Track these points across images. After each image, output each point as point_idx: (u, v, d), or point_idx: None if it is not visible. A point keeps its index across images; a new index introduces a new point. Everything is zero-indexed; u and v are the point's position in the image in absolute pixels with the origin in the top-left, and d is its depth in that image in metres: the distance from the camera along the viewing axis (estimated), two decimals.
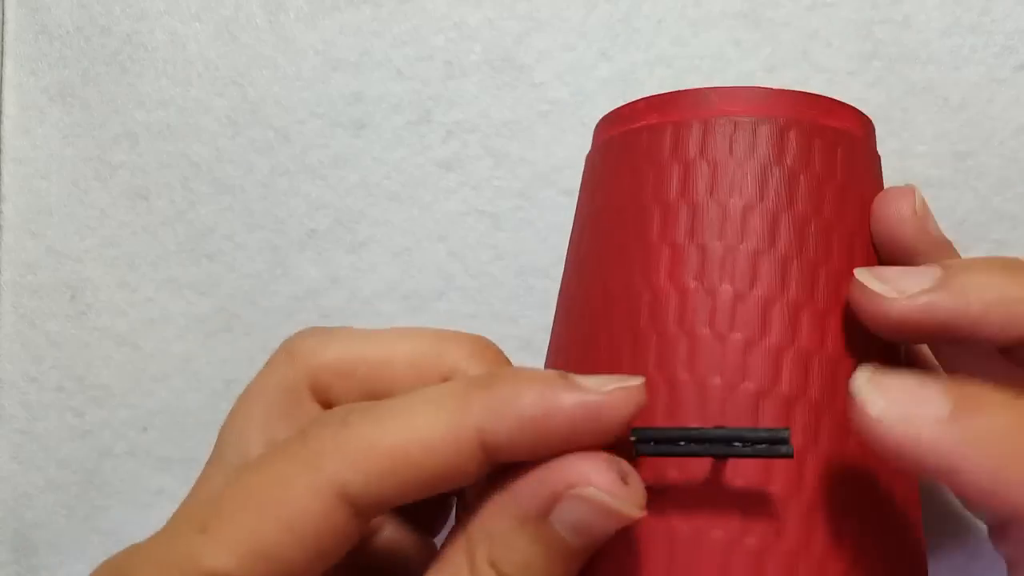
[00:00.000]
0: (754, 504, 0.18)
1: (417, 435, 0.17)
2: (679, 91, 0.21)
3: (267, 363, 0.22)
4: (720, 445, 0.17)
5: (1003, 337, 0.18)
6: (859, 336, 0.20)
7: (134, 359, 0.36)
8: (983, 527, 0.22)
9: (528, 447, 0.17)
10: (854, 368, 0.19)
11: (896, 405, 0.16)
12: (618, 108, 0.22)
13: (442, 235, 0.34)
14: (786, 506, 0.18)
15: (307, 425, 0.19)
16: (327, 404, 0.21)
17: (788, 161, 0.20)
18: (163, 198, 0.36)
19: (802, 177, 0.20)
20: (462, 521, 0.19)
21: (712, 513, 0.18)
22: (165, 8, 0.36)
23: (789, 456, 0.17)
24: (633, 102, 0.22)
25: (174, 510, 0.20)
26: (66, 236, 0.36)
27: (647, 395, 0.18)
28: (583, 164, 0.24)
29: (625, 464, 0.17)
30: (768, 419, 0.19)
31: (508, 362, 0.22)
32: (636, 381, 0.18)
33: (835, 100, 0.21)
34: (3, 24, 0.37)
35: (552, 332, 0.23)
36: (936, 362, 0.23)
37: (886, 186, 0.22)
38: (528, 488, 0.17)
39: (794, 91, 0.21)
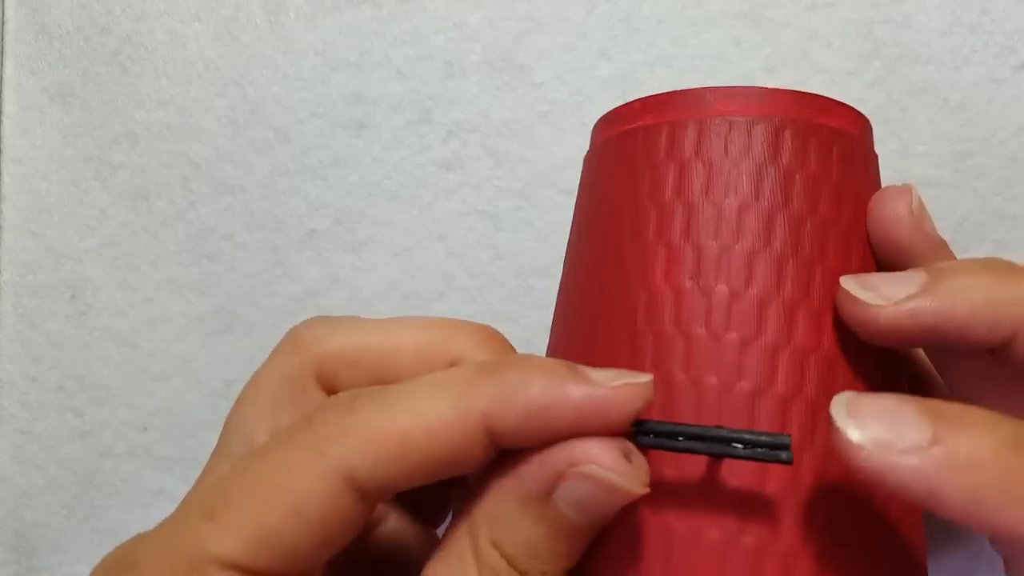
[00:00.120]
0: (750, 504, 0.18)
1: (423, 420, 0.17)
2: (675, 91, 0.21)
3: (273, 352, 0.22)
4: (719, 444, 0.17)
5: (991, 338, 0.18)
6: (856, 335, 0.20)
7: (134, 359, 0.36)
8: None
9: (533, 435, 0.17)
10: (851, 367, 0.19)
11: (875, 433, 0.16)
12: (615, 109, 0.22)
13: (442, 235, 0.34)
14: (782, 506, 0.18)
15: (313, 411, 0.19)
16: (333, 392, 0.21)
17: (783, 160, 0.20)
18: (163, 198, 0.36)
19: (797, 176, 0.20)
20: (465, 505, 0.19)
21: (709, 513, 0.18)
22: (165, 8, 0.36)
23: (788, 462, 0.17)
24: (630, 102, 0.22)
25: (174, 509, 0.20)
26: (66, 236, 0.36)
27: None
28: (582, 164, 0.24)
29: (627, 443, 0.18)
30: (764, 418, 0.19)
31: (514, 351, 0.22)
32: (644, 378, 0.18)
33: (831, 99, 0.21)
34: (3, 24, 0.37)
35: (551, 332, 0.24)
36: (929, 361, 0.23)
37: (884, 186, 0.22)
38: (530, 468, 0.18)
39: (789, 90, 0.21)
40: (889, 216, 0.20)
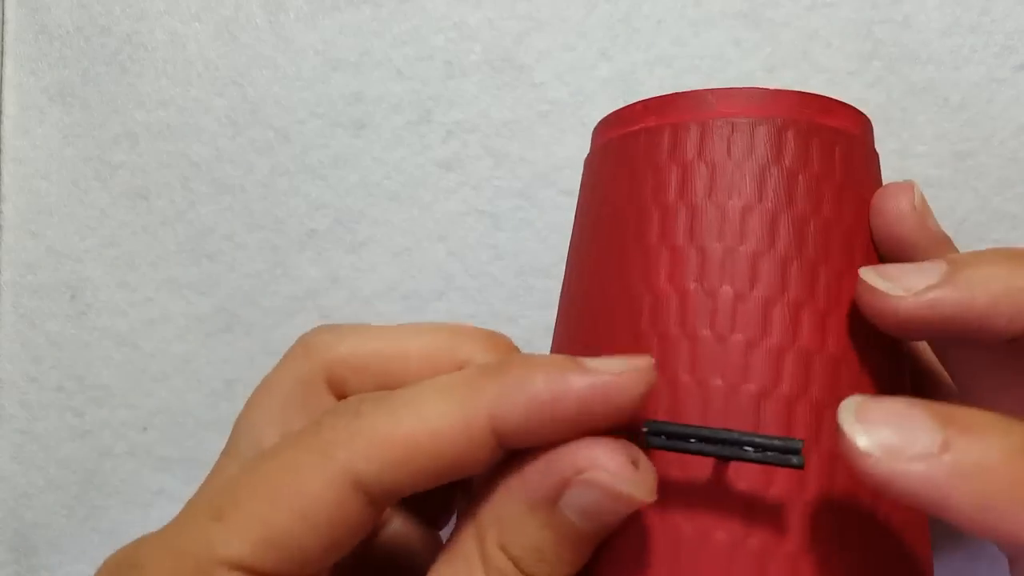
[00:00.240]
0: (757, 505, 0.18)
1: (429, 423, 0.17)
2: (676, 93, 0.21)
3: (284, 356, 0.22)
4: (730, 447, 0.17)
5: (1012, 328, 0.17)
6: (861, 334, 0.20)
7: (134, 359, 0.36)
8: None
9: (539, 431, 0.17)
10: (856, 367, 0.19)
11: (883, 439, 0.15)
12: (616, 111, 0.22)
13: (442, 235, 0.34)
14: (789, 508, 0.18)
15: (321, 415, 0.19)
16: (343, 397, 0.21)
17: (786, 161, 0.20)
18: (163, 198, 0.36)
19: (800, 177, 0.20)
20: (471, 508, 0.19)
21: (715, 514, 0.18)
22: (165, 8, 0.36)
23: (800, 467, 0.17)
24: (631, 105, 0.22)
25: (174, 510, 0.20)
26: (66, 236, 0.36)
27: (650, 397, 0.18)
28: (582, 166, 0.24)
29: (635, 448, 0.17)
30: (770, 420, 0.19)
31: (517, 349, 0.23)
32: (645, 361, 0.18)
33: (832, 99, 0.21)
34: (3, 24, 0.37)
35: (554, 335, 0.23)
36: (932, 356, 0.23)
37: (886, 183, 0.22)
38: (537, 473, 0.18)
39: (791, 91, 0.21)
40: (892, 212, 0.20)
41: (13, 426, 0.36)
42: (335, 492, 0.17)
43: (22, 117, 0.36)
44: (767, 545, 0.18)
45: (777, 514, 0.18)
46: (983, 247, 0.31)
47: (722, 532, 0.18)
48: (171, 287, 0.35)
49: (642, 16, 0.34)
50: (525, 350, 0.33)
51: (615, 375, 0.17)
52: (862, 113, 0.22)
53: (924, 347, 0.24)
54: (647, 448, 0.18)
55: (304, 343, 0.22)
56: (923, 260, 0.20)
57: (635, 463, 0.17)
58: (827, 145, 0.20)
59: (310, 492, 0.17)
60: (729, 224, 0.20)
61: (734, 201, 0.20)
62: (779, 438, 0.17)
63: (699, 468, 0.19)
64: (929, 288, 0.18)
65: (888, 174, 0.23)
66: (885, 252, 0.21)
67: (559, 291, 0.24)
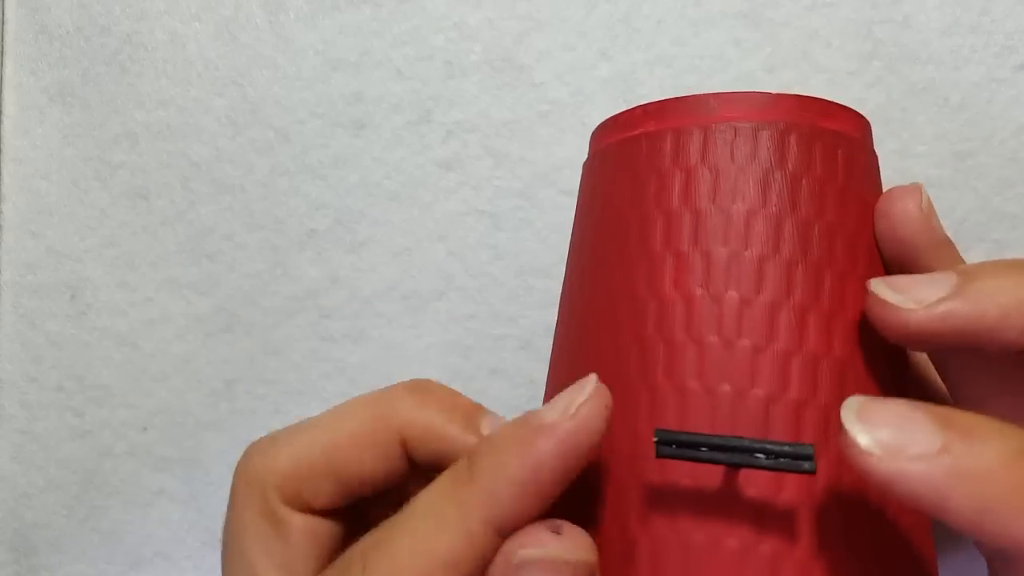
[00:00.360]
0: (767, 511, 0.18)
1: (436, 554, 0.18)
2: (677, 98, 0.21)
3: (232, 501, 0.22)
4: (742, 455, 0.17)
5: (1021, 341, 0.17)
6: (866, 338, 0.20)
7: (134, 359, 0.36)
8: None
9: (534, 504, 0.18)
10: (861, 371, 0.19)
11: (884, 438, 0.15)
12: (615, 116, 0.22)
13: (442, 235, 0.34)
14: (799, 512, 0.18)
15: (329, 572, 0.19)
16: (305, 506, 0.21)
17: (790, 165, 0.20)
18: (163, 198, 0.36)
19: (804, 181, 0.20)
20: None
21: (726, 521, 0.18)
22: (165, 8, 0.36)
23: (812, 472, 0.17)
24: (630, 109, 0.22)
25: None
26: (66, 236, 0.36)
27: (658, 404, 0.19)
28: (581, 170, 0.24)
29: (557, 521, 0.18)
30: (778, 425, 0.19)
31: (448, 389, 0.22)
32: (590, 386, 0.18)
33: (833, 102, 0.21)
34: (3, 24, 0.37)
35: (555, 341, 0.23)
36: (928, 365, 0.23)
37: (886, 187, 0.22)
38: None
39: (793, 95, 0.21)
40: (899, 215, 0.20)
41: (13, 426, 0.36)
42: None
43: (22, 117, 0.36)
44: (778, 551, 0.18)
45: (787, 520, 0.18)
46: (983, 247, 0.31)
47: (733, 539, 0.18)
48: (171, 287, 0.35)
49: (642, 16, 0.34)
50: (525, 350, 0.34)
51: (573, 420, 0.18)
52: (862, 116, 0.22)
53: (915, 353, 0.24)
54: (657, 457, 0.18)
55: (244, 478, 0.22)
56: (926, 263, 0.20)
57: (557, 531, 0.18)
58: (829, 148, 0.20)
59: None
60: (734, 229, 0.20)
61: (738, 206, 0.20)
62: (790, 444, 0.17)
63: (709, 476, 0.19)
64: (940, 301, 0.18)
65: (888, 174, 0.23)
66: (888, 254, 0.21)
67: (559, 291, 0.24)
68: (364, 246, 0.35)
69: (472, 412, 0.21)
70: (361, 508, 0.22)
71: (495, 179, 0.34)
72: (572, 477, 0.18)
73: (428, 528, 0.18)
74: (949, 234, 0.21)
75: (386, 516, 0.19)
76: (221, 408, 0.35)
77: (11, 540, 0.36)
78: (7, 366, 0.36)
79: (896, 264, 0.21)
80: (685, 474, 0.19)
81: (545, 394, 0.23)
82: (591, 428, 0.18)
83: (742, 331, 0.19)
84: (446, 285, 0.34)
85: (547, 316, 0.34)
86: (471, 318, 0.34)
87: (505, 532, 0.18)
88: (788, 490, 0.18)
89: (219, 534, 0.21)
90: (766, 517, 0.18)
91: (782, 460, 0.17)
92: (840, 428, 0.16)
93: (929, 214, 0.20)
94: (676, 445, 0.18)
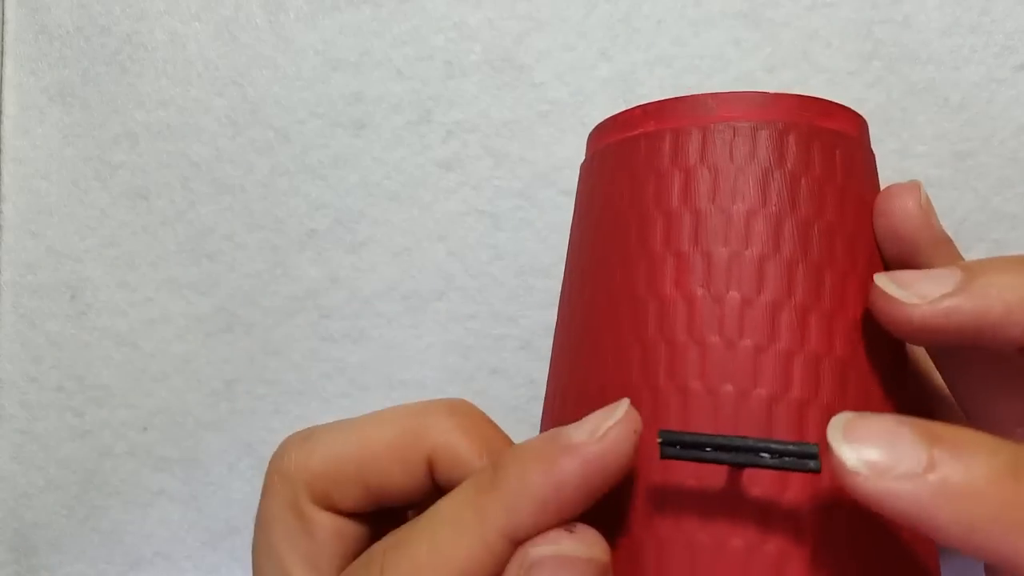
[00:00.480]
0: (772, 511, 0.18)
1: (455, 563, 0.18)
2: (676, 98, 0.21)
3: (264, 490, 0.22)
4: (746, 454, 0.17)
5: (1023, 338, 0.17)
6: (866, 337, 0.20)
7: (134, 359, 0.36)
8: None
9: (553, 521, 0.18)
10: (863, 369, 0.19)
11: (870, 457, 0.15)
12: (613, 116, 0.22)
13: (442, 235, 0.34)
14: (804, 512, 0.18)
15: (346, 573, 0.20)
16: (332, 507, 0.22)
17: (789, 165, 0.20)
18: (163, 198, 0.36)
19: (803, 180, 0.20)
20: None
21: (730, 521, 0.18)
22: (165, 8, 0.36)
23: (816, 471, 0.17)
24: (628, 109, 0.22)
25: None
26: (66, 236, 0.36)
27: (661, 405, 0.19)
28: (579, 171, 0.24)
29: (570, 522, 0.18)
30: (781, 425, 0.19)
31: (485, 419, 0.22)
32: (620, 410, 0.18)
33: (831, 102, 0.21)
34: (3, 24, 0.37)
35: (555, 342, 0.23)
36: (928, 361, 0.23)
37: (890, 183, 0.22)
38: None
39: (791, 94, 0.21)
40: (898, 212, 0.20)
41: (13, 426, 0.36)
42: None
43: (22, 117, 0.36)
44: (783, 550, 0.18)
45: (792, 519, 0.18)
46: (983, 247, 0.31)
47: (738, 539, 0.18)
48: (171, 287, 0.35)
49: (642, 16, 0.34)
50: (525, 350, 0.34)
51: (602, 442, 0.17)
52: (859, 114, 0.22)
53: (915, 350, 0.24)
54: (661, 458, 0.18)
55: (278, 471, 0.22)
56: (926, 260, 0.20)
57: (570, 530, 0.18)
58: (828, 148, 0.20)
59: None
60: (734, 229, 0.20)
61: (738, 205, 0.20)
62: (795, 443, 0.17)
63: (713, 475, 0.19)
64: (944, 296, 0.18)
65: (888, 174, 0.23)
66: (888, 252, 0.21)
67: (559, 291, 0.24)
68: (364, 246, 0.35)
69: (502, 448, 0.21)
70: (389, 512, 0.22)
71: (495, 179, 0.34)
72: (595, 498, 0.18)
73: (447, 534, 0.18)
74: (949, 234, 0.21)
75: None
76: (221, 408, 0.35)
77: (11, 540, 0.36)
78: (7, 366, 0.36)
79: (896, 262, 0.21)
80: (689, 474, 0.19)
81: (546, 394, 0.23)
82: (618, 451, 0.17)
83: (744, 331, 0.19)
84: (446, 285, 0.34)
85: (547, 316, 0.34)
86: (471, 318, 0.34)
87: (518, 544, 0.18)
88: (792, 489, 0.18)
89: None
90: (771, 516, 0.18)
91: (787, 459, 0.17)
92: (827, 447, 0.16)
93: (928, 211, 0.20)
94: (680, 446, 0.18)
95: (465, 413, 0.22)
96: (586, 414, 0.18)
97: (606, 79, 0.34)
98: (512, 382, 0.34)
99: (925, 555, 0.20)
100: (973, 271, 0.18)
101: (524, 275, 0.34)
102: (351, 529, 0.22)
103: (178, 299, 0.35)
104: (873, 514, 0.19)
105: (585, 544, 0.18)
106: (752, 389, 0.19)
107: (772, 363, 0.19)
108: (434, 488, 0.21)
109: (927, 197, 0.21)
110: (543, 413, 0.23)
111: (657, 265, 0.20)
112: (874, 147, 0.23)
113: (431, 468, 0.21)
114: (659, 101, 0.21)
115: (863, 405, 0.19)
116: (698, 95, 0.21)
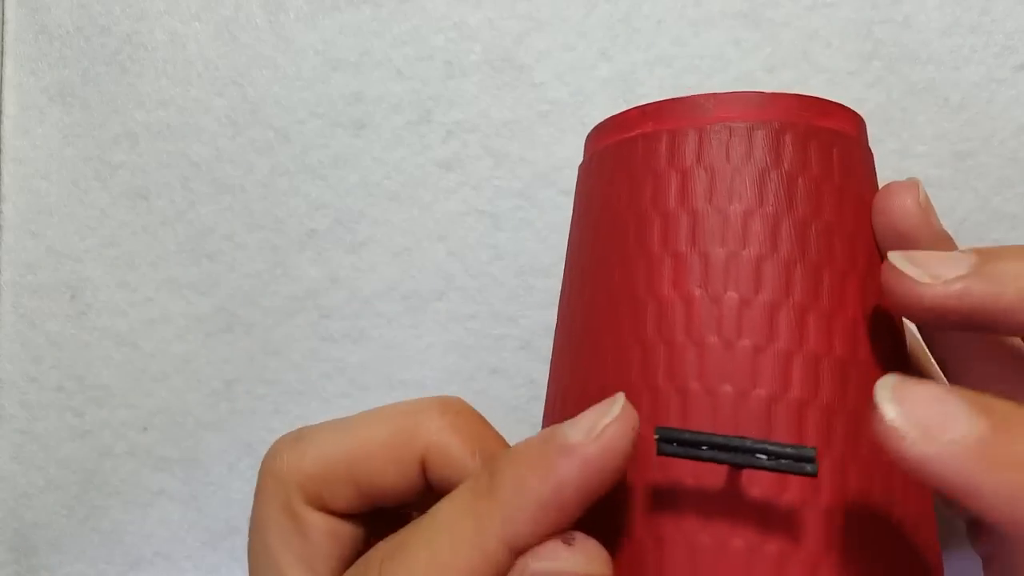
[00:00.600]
0: (772, 511, 0.18)
1: (454, 573, 0.18)
2: (673, 99, 0.21)
3: (257, 492, 0.22)
4: (743, 455, 0.17)
5: None
6: (866, 336, 0.20)
7: (134, 359, 0.36)
8: None
9: (553, 525, 0.18)
10: (862, 368, 0.19)
11: (920, 421, 0.15)
12: (610, 117, 0.22)
13: (442, 235, 0.34)
14: (804, 512, 0.18)
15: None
16: (325, 508, 0.21)
17: (785, 165, 0.20)
18: (163, 198, 0.36)
19: (800, 180, 0.20)
20: None
21: (731, 522, 0.18)
22: (165, 8, 0.36)
23: (813, 475, 0.17)
24: (626, 111, 0.22)
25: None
26: (66, 236, 0.36)
27: (660, 406, 0.19)
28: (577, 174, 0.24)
29: (570, 532, 0.18)
30: (781, 425, 0.19)
31: (477, 416, 0.22)
32: (617, 407, 0.18)
33: (828, 101, 0.21)
34: (3, 24, 0.37)
35: (555, 342, 0.23)
36: (932, 360, 0.23)
37: (889, 181, 0.22)
38: None
39: (788, 94, 0.21)
40: (897, 210, 0.20)
41: (13, 426, 0.36)
42: None
43: (22, 117, 0.36)
44: (784, 551, 0.18)
45: (792, 519, 0.18)
46: (983, 247, 0.31)
47: (739, 539, 0.18)
48: (171, 287, 0.35)
49: (642, 16, 0.34)
50: (524, 350, 0.34)
51: (598, 441, 0.17)
52: (856, 113, 0.22)
53: (915, 350, 0.24)
54: (658, 455, 0.18)
55: (271, 473, 0.22)
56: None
57: (568, 542, 0.18)
58: (825, 147, 0.20)
59: None
60: (731, 229, 0.20)
61: (735, 206, 0.20)
62: (792, 446, 0.17)
63: (712, 476, 0.19)
64: (958, 278, 0.18)
65: (888, 174, 0.23)
66: (887, 250, 0.21)
67: (559, 291, 0.24)
68: (364, 246, 0.35)
69: (496, 449, 0.21)
70: (385, 512, 0.22)
71: (495, 179, 0.34)
72: (595, 499, 0.18)
73: (445, 543, 0.18)
74: (949, 234, 0.21)
75: (408, 522, 0.20)
76: (221, 408, 0.35)
77: (11, 540, 0.36)
78: (7, 366, 0.36)
79: None
80: (689, 475, 0.19)
81: (547, 394, 0.23)
82: (616, 450, 0.17)
83: (742, 331, 0.19)
84: (446, 285, 0.34)
85: (547, 316, 0.34)
86: (471, 318, 0.34)
87: (521, 551, 0.18)
88: (792, 490, 0.18)
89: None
90: (771, 517, 0.18)
91: (783, 461, 0.17)
92: (872, 408, 0.16)
93: (927, 209, 0.20)
94: (677, 443, 0.18)
95: (457, 411, 0.22)
96: None
97: (606, 79, 0.34)
98: (512, 382, 0.34)
99: (928, 556, 0.20)
100: (988, 255, 0.18)
101: (524, 275, 0.34)
102: (346, 529, 0.22)
103: (178, 299, 0.35)
104: (875, 514, 0.19)
105: (585, 559, 0.17)
106: (751, 389, 0.19)
107: (771, 363, 0.19)
108: (427, 487, 0.21)
109: (926, 195, 0.21)
110: (544, 413, 0.23)
111: (655, 266, 0.20)
112: (874, 147, 0.23)
113: (423, 467, 0.21)
114: (656, 102, 0.21)
115: (864, 405, 0.19)
116: (695, 96, 0.21)
